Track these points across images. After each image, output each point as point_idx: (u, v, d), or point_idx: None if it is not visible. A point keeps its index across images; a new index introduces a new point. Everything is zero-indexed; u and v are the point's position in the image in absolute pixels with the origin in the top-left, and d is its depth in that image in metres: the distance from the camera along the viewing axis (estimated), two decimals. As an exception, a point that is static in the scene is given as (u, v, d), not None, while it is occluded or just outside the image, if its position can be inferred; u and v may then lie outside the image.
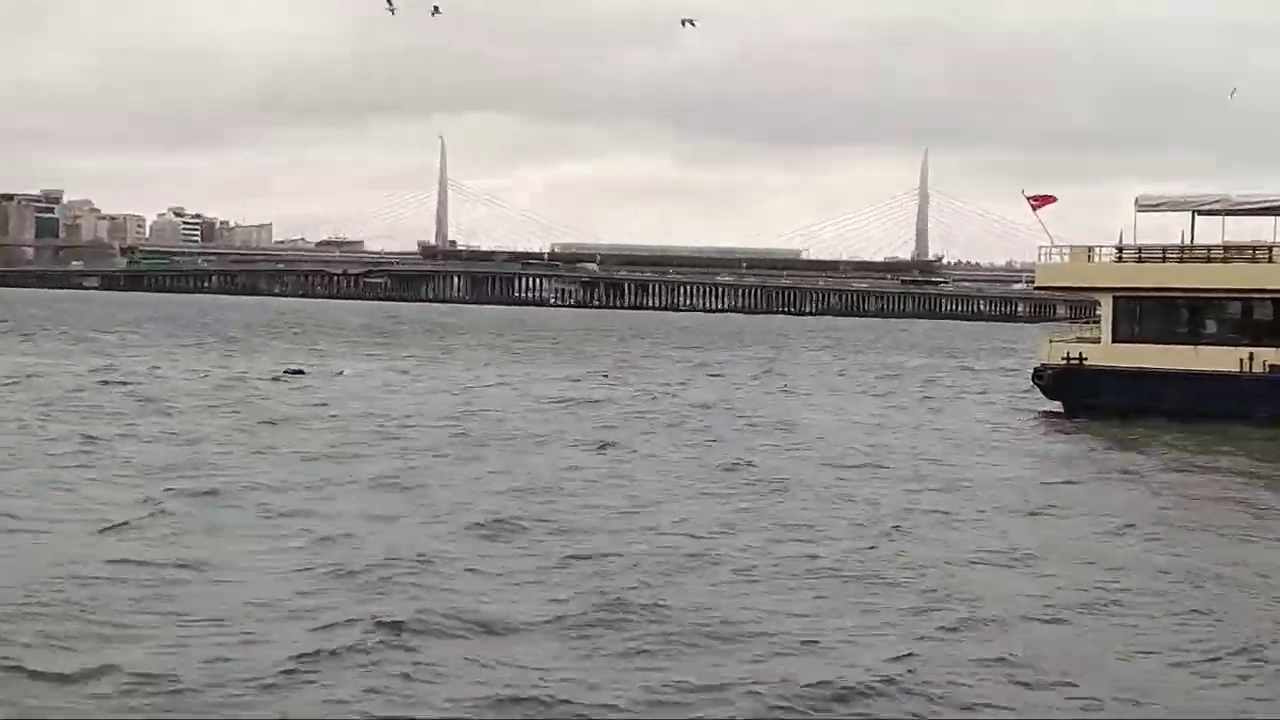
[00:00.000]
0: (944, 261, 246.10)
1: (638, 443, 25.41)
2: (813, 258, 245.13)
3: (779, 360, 63.07)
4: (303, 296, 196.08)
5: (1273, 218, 37.68)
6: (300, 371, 43.14)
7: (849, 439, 28.85)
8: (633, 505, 18.38)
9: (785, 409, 35.64)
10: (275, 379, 40.49)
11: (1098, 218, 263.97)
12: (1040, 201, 39.08)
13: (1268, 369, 34.51)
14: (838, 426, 31.60)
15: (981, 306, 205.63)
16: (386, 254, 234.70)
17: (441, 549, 14.88)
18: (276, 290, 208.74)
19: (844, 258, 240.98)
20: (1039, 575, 14.70)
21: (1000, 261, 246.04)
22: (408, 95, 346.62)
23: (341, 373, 43.87)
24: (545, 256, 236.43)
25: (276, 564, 14.06)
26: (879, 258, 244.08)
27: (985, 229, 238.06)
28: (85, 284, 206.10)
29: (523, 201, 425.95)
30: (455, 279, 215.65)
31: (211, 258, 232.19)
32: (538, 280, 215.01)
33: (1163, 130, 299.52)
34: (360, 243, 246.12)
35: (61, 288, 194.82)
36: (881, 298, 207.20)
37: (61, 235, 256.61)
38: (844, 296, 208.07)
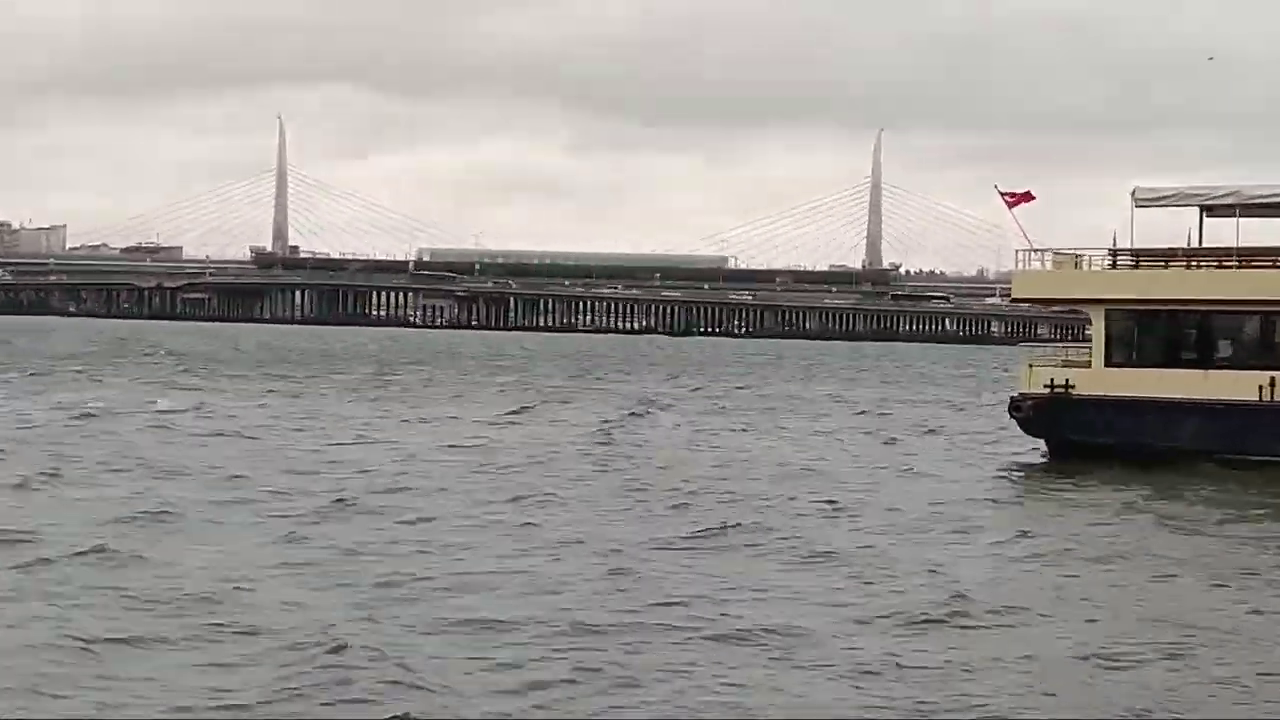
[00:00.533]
0: (902, 271, 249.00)
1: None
2: (742, 267, 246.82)
3: (709, 387, 63.51)
4: (106, 316, 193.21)
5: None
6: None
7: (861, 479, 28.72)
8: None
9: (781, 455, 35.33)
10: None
11: (1087, 216, 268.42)
12: (1017, 199, 39.37)
13: (1292, 398, 34.94)
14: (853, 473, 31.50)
15: (947, 325, 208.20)
16: (212, 263, 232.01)
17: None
18: (72, 308, 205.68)
19: (780, 266, 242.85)
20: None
21: (970, 270, 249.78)
22: (239, 67, 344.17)
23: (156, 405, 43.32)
24: (411, 266, 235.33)
25: None
26: (823, 266, 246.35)
27: (952, 232, 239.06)
28: None
29: (383, 198, 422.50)
30: (298, 294, 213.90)
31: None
32: (401, 295, 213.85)
33: (1167, 111, 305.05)
34: (178, 249, 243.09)
35: None
36: (827, 316, 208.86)
37: None
38: (782, 314, 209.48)
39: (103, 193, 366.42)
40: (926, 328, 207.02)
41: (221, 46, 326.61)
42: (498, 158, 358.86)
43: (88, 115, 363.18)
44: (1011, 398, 38.51)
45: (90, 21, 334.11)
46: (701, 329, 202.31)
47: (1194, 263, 37.34)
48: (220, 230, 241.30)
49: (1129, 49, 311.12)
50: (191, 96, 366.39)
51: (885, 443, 39.90)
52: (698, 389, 65.55)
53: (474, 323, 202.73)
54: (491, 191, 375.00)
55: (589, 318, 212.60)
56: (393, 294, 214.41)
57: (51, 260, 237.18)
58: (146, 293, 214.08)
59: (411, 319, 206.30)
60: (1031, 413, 37.26)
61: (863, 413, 48.27)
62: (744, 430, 43.01)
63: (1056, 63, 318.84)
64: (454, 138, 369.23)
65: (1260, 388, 35.14)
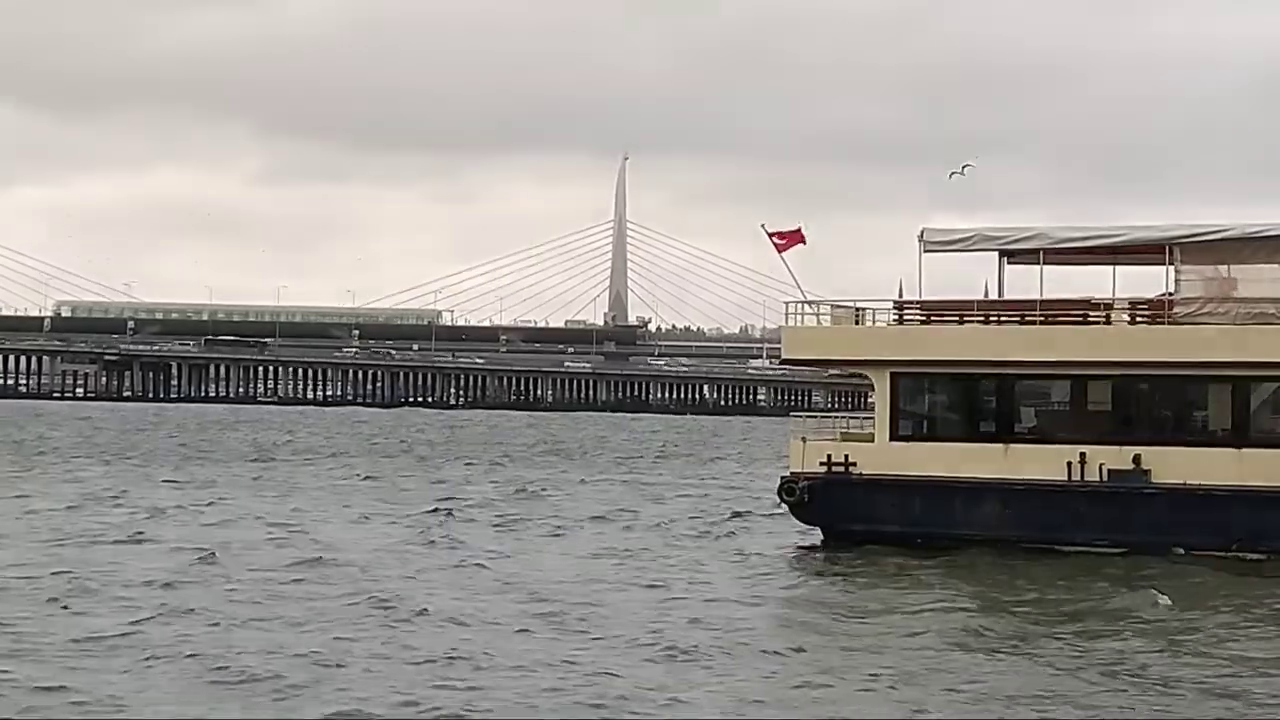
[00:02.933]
0: (651, 328, 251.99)
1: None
2: (460, 323, 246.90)
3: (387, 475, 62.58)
4: None
5: (1110, 264, 39.47)
6: None
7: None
8: None
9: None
10: None
11: (871, 262, 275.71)
12: (787, 240, 39.65)
13: (1106, 476, 35.83)
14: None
15: (706, 393, 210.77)
16: None
17: None
18: None
19: (506, 322, 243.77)
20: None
21: (733, 327, 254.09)
22: None
23: None
24: (47, 323, 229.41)
25: None
26: (558, 322, 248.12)
27: (712, 281, 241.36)
28: None
29: (14, 238, 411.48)
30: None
31: None
32: (33, 359, 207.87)
33: (974, 132, 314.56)
34: None
35: None
36: (563, 382, 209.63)
37: None
38: (509, 380, 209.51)
39: None
40: (682, 396, 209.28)
41: None
42: (164, 189, 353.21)
43: None
44: (782, 478, 38.65)
45: None
46: (409, 398, 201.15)
47: (993, 317, 38.05)
48: None
49: (929, 61, 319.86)
50: None
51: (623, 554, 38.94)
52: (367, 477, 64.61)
53: (126, 393, 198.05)
54: (154, 230, 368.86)
55: (273, 384, 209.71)
56: (23, 358, 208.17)
57: None
58: None
59: (51, 390, 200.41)
60: (805, 497, 37.41)
61: (598, 517, 47.09)
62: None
63: (841, 77, 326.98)
64: (111, 165, 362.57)
65: (1069, 464, 35.96)
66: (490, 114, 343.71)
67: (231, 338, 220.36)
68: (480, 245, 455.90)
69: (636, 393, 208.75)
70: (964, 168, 52.71)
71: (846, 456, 37.58)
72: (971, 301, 38.69)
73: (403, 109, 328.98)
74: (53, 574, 29.85)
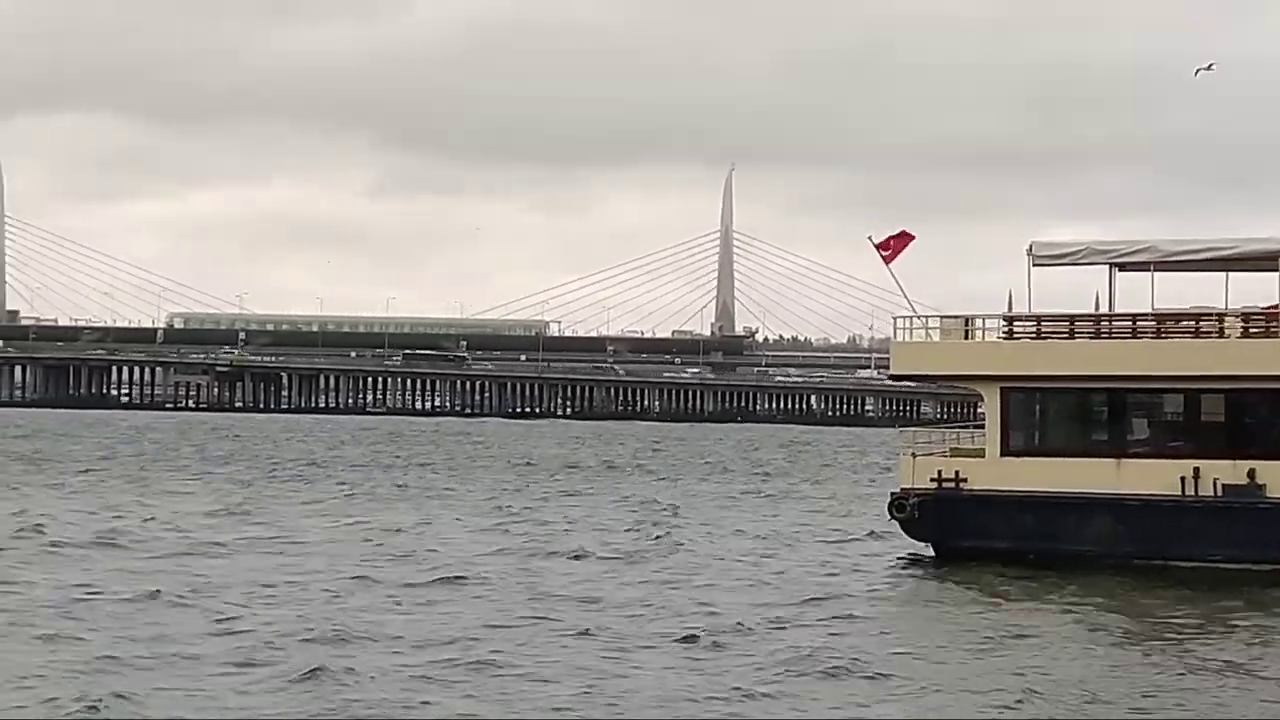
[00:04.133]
0: (759, 338, 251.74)
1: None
2: (567, 334, 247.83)
3: (525, 492, 62.92)
4: None
5: (1222, 272, 39.17)
6: None
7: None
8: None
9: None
10: None
11: (981, 275, 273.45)
12: (893, 247, 39.55)
13: (1220, 490, 35.54)
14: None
15: (814, 404, 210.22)
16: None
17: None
18: None
19: (613, 333, 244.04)
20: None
21: (840, 337, 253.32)
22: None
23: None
24: (159, 335, 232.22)
25: None
26: (664, 332, 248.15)
27: (819, 292, 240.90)
28: None
29: (130, 250, 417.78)
30: (17, 370, 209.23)
31: None
32: (146, 370, 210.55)
33: (1083, 139, 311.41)
34: None
35: None
36: (670, 393, 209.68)
37: None
38: (615, 391, 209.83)
39: None
40: (788, 406, 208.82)
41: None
42: (277, 202, 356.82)
43: None
44: (892, 494, 38.61)
45: None
46: (518, 409, 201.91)
47: (1103, 330, 37.87)
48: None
49: (1039, 66, 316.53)
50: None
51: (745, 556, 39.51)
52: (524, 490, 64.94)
53: (238, 404, 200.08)
54: (267, 243, 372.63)
55: (382, 397, 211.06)
56: (136, 369, 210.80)
57: None
58: None
59: (164, 400, 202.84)
60: (916, 513, 37.37)
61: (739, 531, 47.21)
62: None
63: (949, 85, 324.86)
64: (224, 178, 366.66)
65: (1182, 479, 35.70)
66: (600, 125, 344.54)
67: (430, 351, 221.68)
68: (588, 256, 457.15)
69: (743, 403, 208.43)
70: (1209, 65, 53.05)
71: (957, 472, 37.51)
72: (1083, 315, 38.52)
73: (514, 121, 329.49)
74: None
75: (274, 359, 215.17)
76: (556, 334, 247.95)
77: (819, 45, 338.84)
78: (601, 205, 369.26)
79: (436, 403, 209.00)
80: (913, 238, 39.60)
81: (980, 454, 38.25)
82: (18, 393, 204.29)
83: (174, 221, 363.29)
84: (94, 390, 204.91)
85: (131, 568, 33.88)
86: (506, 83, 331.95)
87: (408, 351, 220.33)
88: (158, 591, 29.76)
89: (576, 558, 37.35)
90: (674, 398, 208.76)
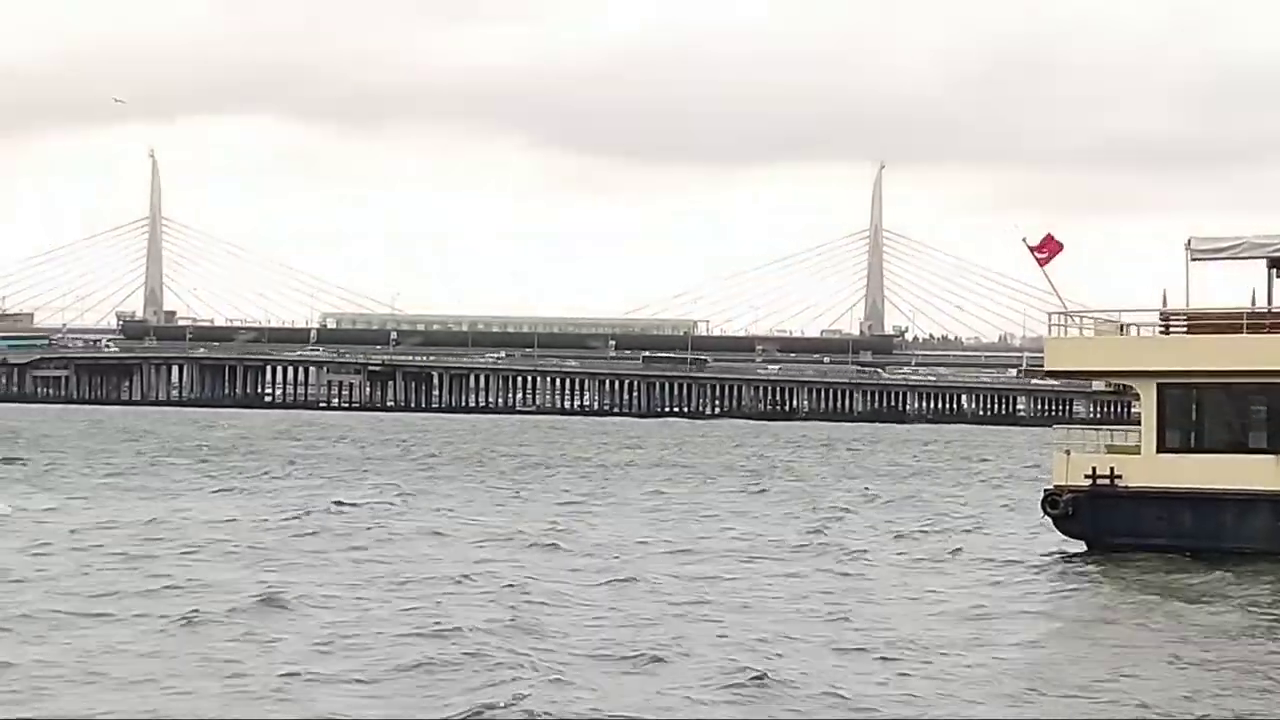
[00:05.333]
0: (908, 337, 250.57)
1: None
2: (716, 333, 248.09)
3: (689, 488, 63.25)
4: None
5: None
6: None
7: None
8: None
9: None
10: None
11: (1136, 271, 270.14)
12: (1048, 250, 39.55)
13: (1384, 489, 35.27)
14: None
15: (964, 403, 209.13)
16: (71, 333, 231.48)
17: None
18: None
19: (762, 332, 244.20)
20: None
21: (991, 336, 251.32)
22: (106, 94, 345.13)
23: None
24: (313, 334, 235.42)
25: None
26: (813, 332, 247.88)
27: (970, 291, 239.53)
28: None
29: (283, 251, 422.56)
30: (175, 370, 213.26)
31: None
32: (301, 370, 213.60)
33: (1245, 137, 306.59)
34: (28, 316, 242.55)
35: None
36: (819, 392, 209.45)
37: None
38: (764, 390, 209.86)
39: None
40: (938, 406, 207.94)
41: (106, 70, 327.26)
42: (433, 203, 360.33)
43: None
44: (1046, 491, 38.63)
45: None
46: (667, 409, 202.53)
47: (1263, 326, 37.58)
48: (82, 293, 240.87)
49: (1203, 66, 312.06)
50: (47, 128, 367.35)
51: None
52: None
53: (389, 403, 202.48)
54: (417, 242, 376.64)
55: (531, 396, 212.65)
56: (291, 368, 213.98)
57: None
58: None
59: (319, 399, 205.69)
60: (1070, 509, 37.37)
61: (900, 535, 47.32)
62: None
63: (1106, 84, 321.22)
64: (382, 179, 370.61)
65: (1344, 476, 35.46)
66: (754, 124, 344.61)
67: (668, 354, 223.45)
68: (737, 255, 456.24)
69: (893, 403, 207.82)
70: None
71: (1112, 469, 37.37)
72: (1240, 311, 38.22)
73: (667, 122, 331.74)
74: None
75: (426, 359, 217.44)
76: (704, 333, 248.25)
77: (977, 44, 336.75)
78: (752, 205, 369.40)
79: (585, 401, 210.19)
80: (1062, 247, 39.55)
81: (1135, 451, 38.11)
82: (174, 392, 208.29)
83: (331, 221, 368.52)
84: (248, 389, 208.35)
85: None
86: (663, 85, 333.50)
87: (647, 354, 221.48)
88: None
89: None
90: (824, 397, 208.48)
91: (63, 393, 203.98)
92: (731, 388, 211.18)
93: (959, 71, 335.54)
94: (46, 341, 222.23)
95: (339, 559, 34.58)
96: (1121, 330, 39.28)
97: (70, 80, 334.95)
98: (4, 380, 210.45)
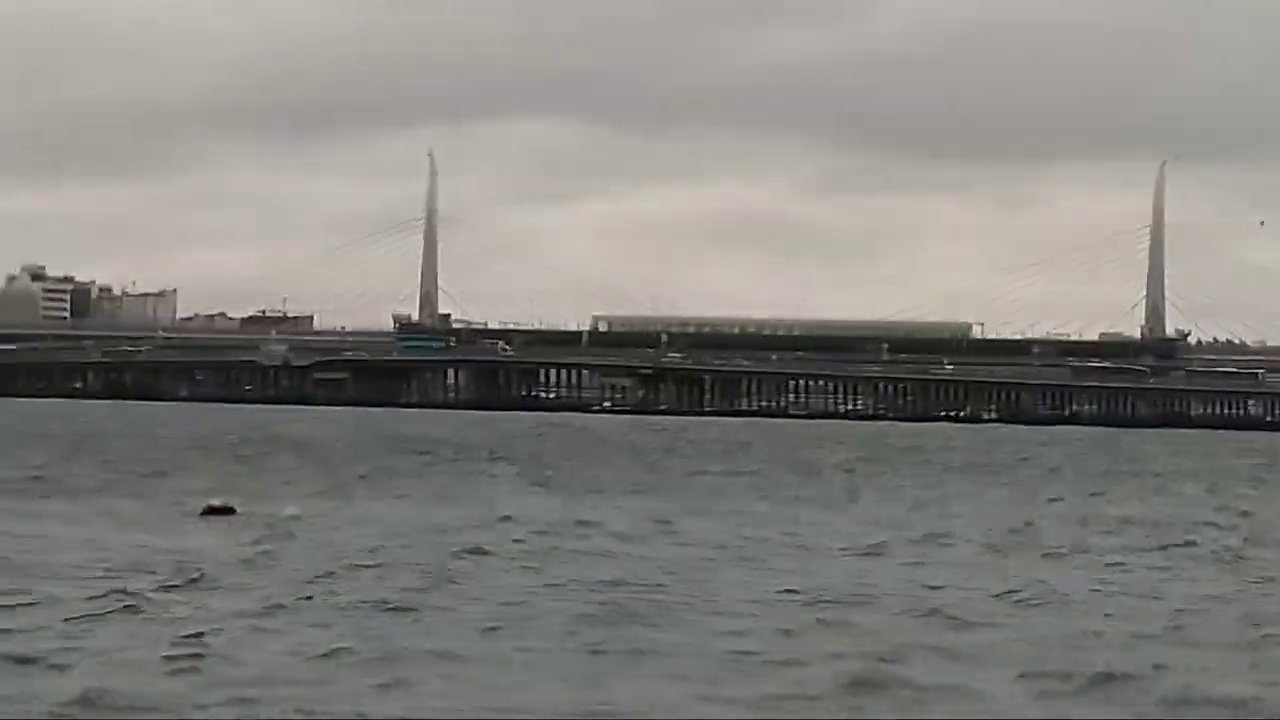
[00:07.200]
0: (1191, 340, 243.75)
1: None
2: (990, 335, 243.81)
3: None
4: (223, 400, 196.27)
5: None
6: (228, 509, 43.00)
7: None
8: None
9: None
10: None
11: None
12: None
13: None
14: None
15: (1252, 409, 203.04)
16: (348, 335, 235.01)
17: None
18: (184, 392, 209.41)
19: (1037, 335, 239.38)
20: None
21: (1278, 340, 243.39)
22: (390, 97, 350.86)
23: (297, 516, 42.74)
24: (584, 337, 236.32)
25: None
26: (1091, 334, 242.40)
27: (1259, 291, 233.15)
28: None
29: (558, 253, 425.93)
30: (449, 373, 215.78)
31: (88, 342, 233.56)
32: (572, 374, 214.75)
33: None
34: (308, 319, 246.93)
35: None
36: (1100, 397, 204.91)
37: None
38: (1039, 394, 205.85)
39: (214, 252, 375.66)
40: (1224, 411, 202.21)
41: (393, 72, 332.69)
42: (713, 203, 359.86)
43: (196, 157, 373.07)
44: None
45: (200, 40, 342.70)
46: (938, 413, 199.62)
47: None
48: (360, 296, 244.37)
49: None
50: (332, 133, 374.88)
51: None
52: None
53: (661, 406, 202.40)
54: (690, 243, 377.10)
55: (801, 398, 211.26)
56: (562, 372, 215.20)
57: (160, 333, 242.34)
58: (272, 372, 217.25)
59: (591, 402, 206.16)
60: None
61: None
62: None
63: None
64: (661, 179, 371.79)
65: None
66: (1039, 121, 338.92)
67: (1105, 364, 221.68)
68: (1015, 257, 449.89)
69: (1178, 407, 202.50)
70: None
71: None
72: None
73: (954, 121, 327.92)
74: None
75: (695, 362, 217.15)
76: (978, 335, 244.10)
77: (1269, 37, 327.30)
78: (1035, 205, 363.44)
79: (857, 405, 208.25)
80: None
81: None
82: (450, 395, 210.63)
83: (605, 224, 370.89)
84: (521, 392, 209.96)
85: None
86: (950, 81, 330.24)
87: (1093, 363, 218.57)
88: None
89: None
90: (1105, 401, 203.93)
91: (341, 395, 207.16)
92: (1009, 391, 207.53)
93: (1257, 66, 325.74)
94: (444, 343, 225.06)
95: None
96: None
97: (357, 82, 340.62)
98: (287, 382, 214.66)
